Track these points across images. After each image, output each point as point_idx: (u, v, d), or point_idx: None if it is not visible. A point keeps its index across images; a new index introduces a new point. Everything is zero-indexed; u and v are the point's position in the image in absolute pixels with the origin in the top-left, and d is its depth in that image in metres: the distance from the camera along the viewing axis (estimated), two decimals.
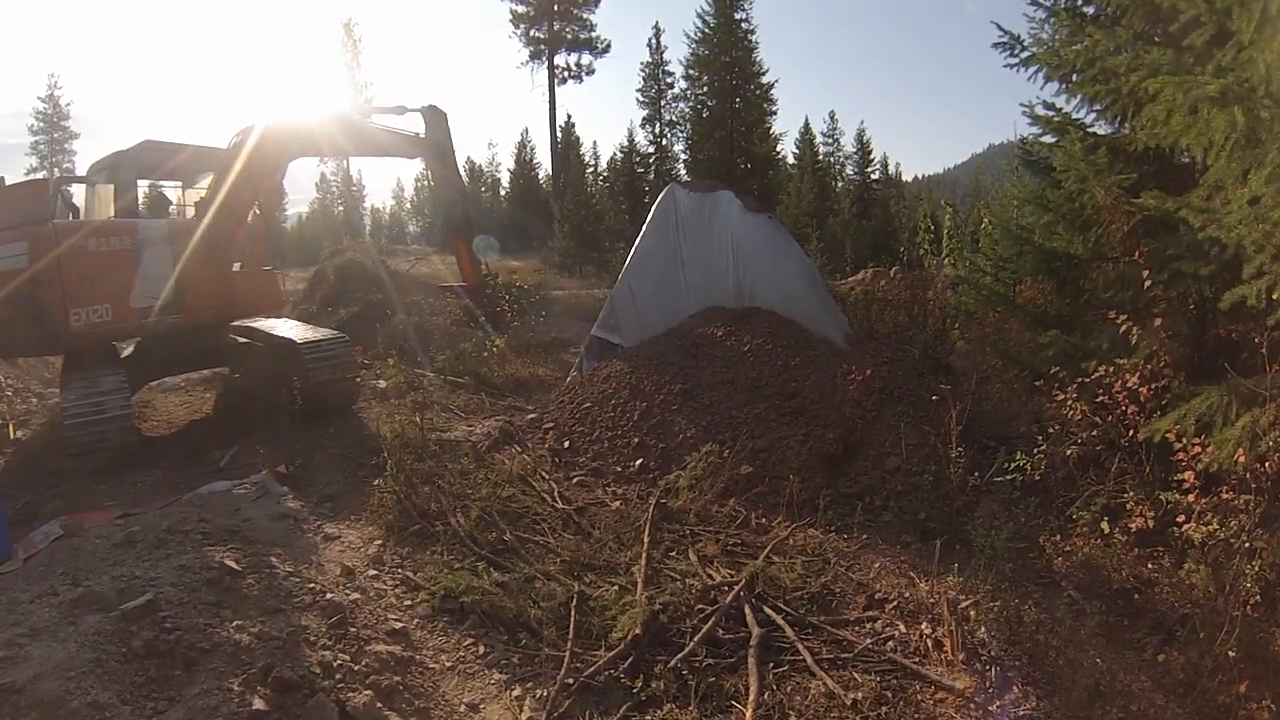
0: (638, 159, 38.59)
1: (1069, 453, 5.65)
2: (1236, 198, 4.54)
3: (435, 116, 13.17)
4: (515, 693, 4.65)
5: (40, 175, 54.43)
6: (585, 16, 45.78)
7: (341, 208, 61.62)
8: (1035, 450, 5.62)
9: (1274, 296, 4.30)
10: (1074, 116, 6.96)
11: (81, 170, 13.29)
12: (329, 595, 5.11)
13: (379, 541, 6.49)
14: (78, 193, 11.29)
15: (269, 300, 10.96)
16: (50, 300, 8.29)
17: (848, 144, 52.99)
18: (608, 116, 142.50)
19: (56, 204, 10.07)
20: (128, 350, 10.65)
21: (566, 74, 46.53)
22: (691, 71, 32.89)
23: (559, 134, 47.15)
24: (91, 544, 5.48)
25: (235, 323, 10.98)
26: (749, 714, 4.26)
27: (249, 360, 10.92)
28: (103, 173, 10.37)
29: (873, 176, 52.08)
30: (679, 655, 4.75)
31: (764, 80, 31.32)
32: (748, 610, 5.23)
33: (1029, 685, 4.44)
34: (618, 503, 7.29)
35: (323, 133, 11.41)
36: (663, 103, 38.56)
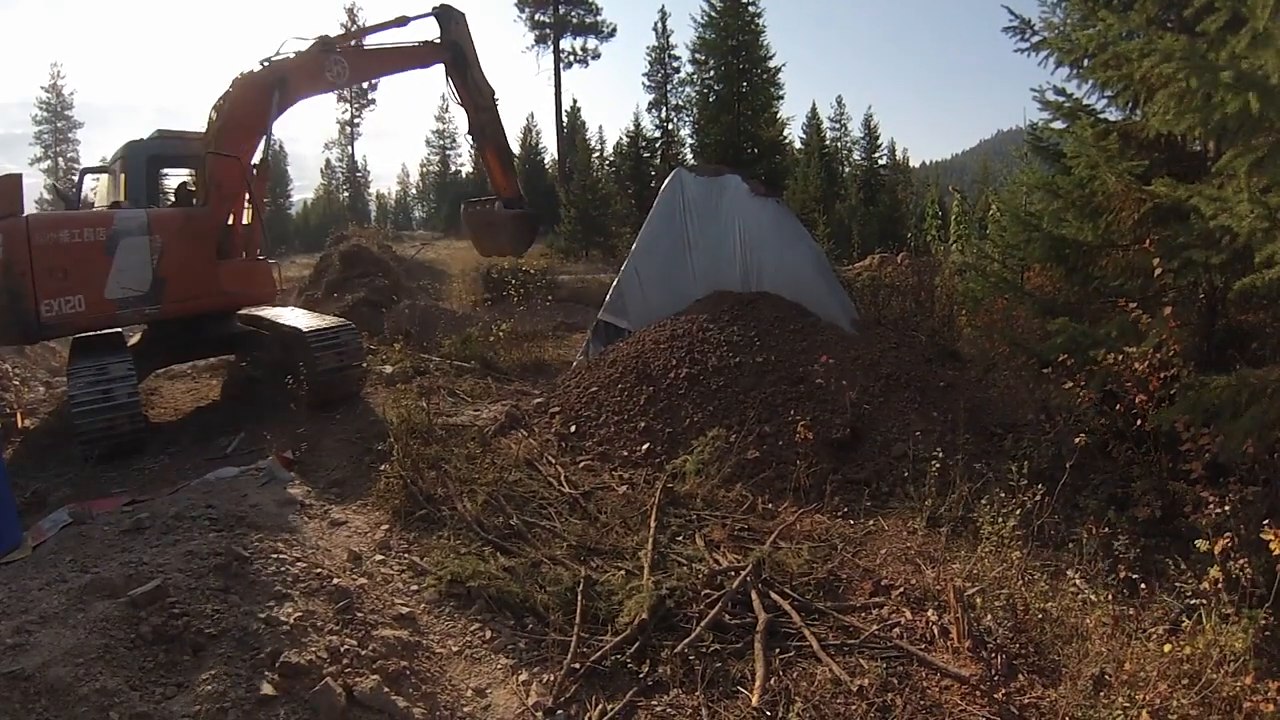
0: (644, 143, 38.31)
1: (1077, 441, 5.62)
2: (1249, 186, 4.50)
3: (450, 16, 12.26)
4: (522, 677, 4.67)
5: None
6: (591, 0, 45.54)
7: (347, 193, 61.65)
8: (1043, 438, 5.61)
9: None
10: (1085, 102, 6.92)
11: (86, 160, 13.30)
12: (336, 580, 5.13)
13: (385, 526, 6.51)
14: (101, 181, 11.34)
15: (261, 291, 10.68)
16: (22, 292, 8.35)
17: (855, 129, 52.70)
18: (614, 101, 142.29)
19: (77, 194, 10.14)
20: (134, 338, 10.68)
21: (572, 58, 46.41)
22: (698, 55, 32.66)
23: (565, 119, 46.99)
24: (100, 531, 5.52)
25: (241, 311, 10.98)
26: (755, 699, 4.28)
27: (256, 348, 10.93)
28: (120, 162, 10.37)
29: (880, 162, 51.76)
30: (685, 640, 4.76)
31: (771, 64, 31.07)
32: (754, 596, 5.24)
33: (1034, 673, 4.46)
34: (624, 487, 7.29)
35: (307, 67, 10.68)
36: (669, 87, 38.31)
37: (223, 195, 9.94)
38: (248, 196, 10.39)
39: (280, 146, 67.79)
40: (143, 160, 10.17)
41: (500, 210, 13.65)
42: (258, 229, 10.67)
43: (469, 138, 13.33)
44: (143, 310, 9.26)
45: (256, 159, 10.42)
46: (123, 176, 10.14)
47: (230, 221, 10.18)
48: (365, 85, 56.88)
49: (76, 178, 11.73)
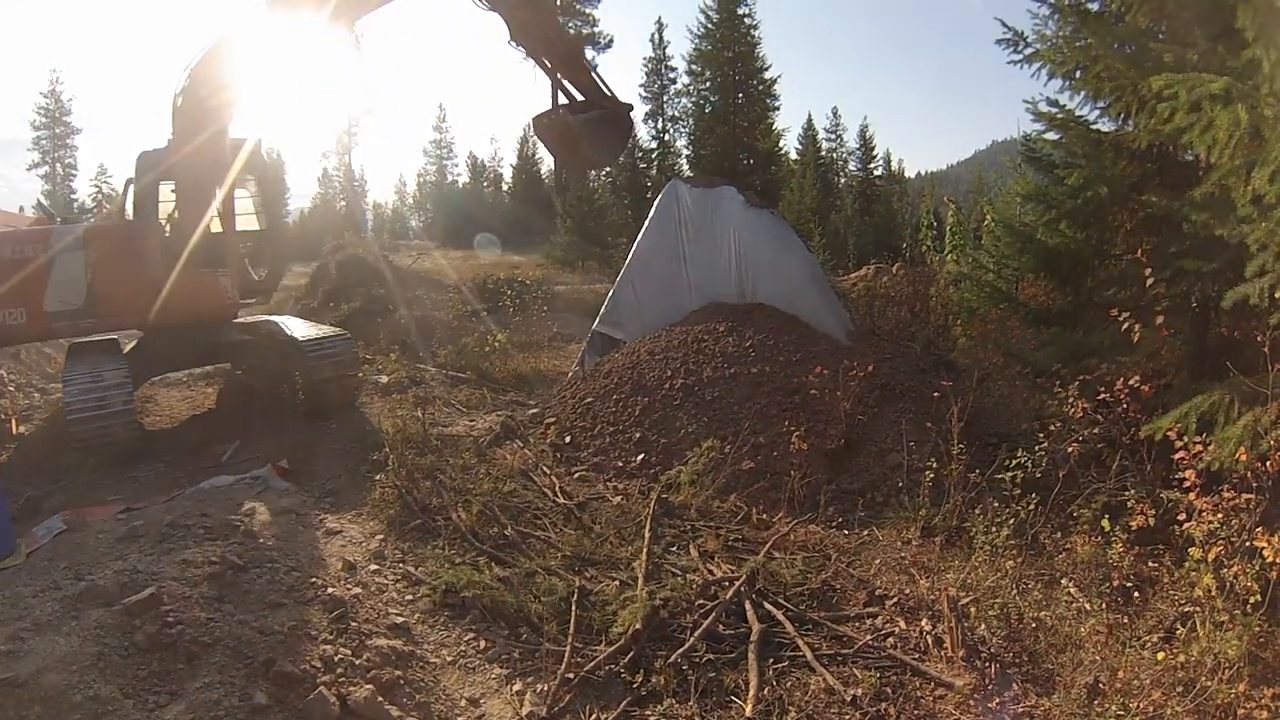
0: (640, 154, 38.48)
1: (1070, 450, 5.64)
2: (1240, 196, 4.53)
3: None
4: (516, 687, 4.67)
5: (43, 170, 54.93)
6: (588, 11, 45.65)
7: (344, 203, 61.66)
8: (1036, 447, 5.62)
9: (1276, 295, 4.30)
10: (1077, 113, 6.95)
11: (85, 166, 13.08)
12: (330, 590, 5.12)
13: (380, 536, 6.50)
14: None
15: (203, 307, 9.91)
16: None
17: (850, 140, 52.95)
18: None
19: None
20: (130, 345, 10.66)
21: None
22: (694, 67, 32.84)
23: None
24: (94, 539, 5.50)
25: (236, 320, 10.94)
26: (749, 709, 4.28)
27: (252, 356, 10.89)
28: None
29: (875, 172, 52.01)
30: (679, 650, 4.76)
31: (767, 76, 31.31)
32: (748, 606, 5.25)
33: (1028, 682, 4.46)
34: (619, 498, 7.30)
35: (256, 26, 9.28)
36: (665, 98, 38.52)
37: (188, 203, 9.72)
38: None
39: (277, 155, 67.81)
40: (150, 171, 10.14)
41: (568, 116, 10.98)
42: (224, 238, 10.10)
43: (513, 45, 10.62)
44: (77, 324, 9.29)
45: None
46: (133, 187, 10.12)
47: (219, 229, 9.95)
48: (364, 94, 57.02)
49: (120, 187, 11.63)
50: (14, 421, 10.41)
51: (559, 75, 10.76)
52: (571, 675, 4.62)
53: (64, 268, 8.99)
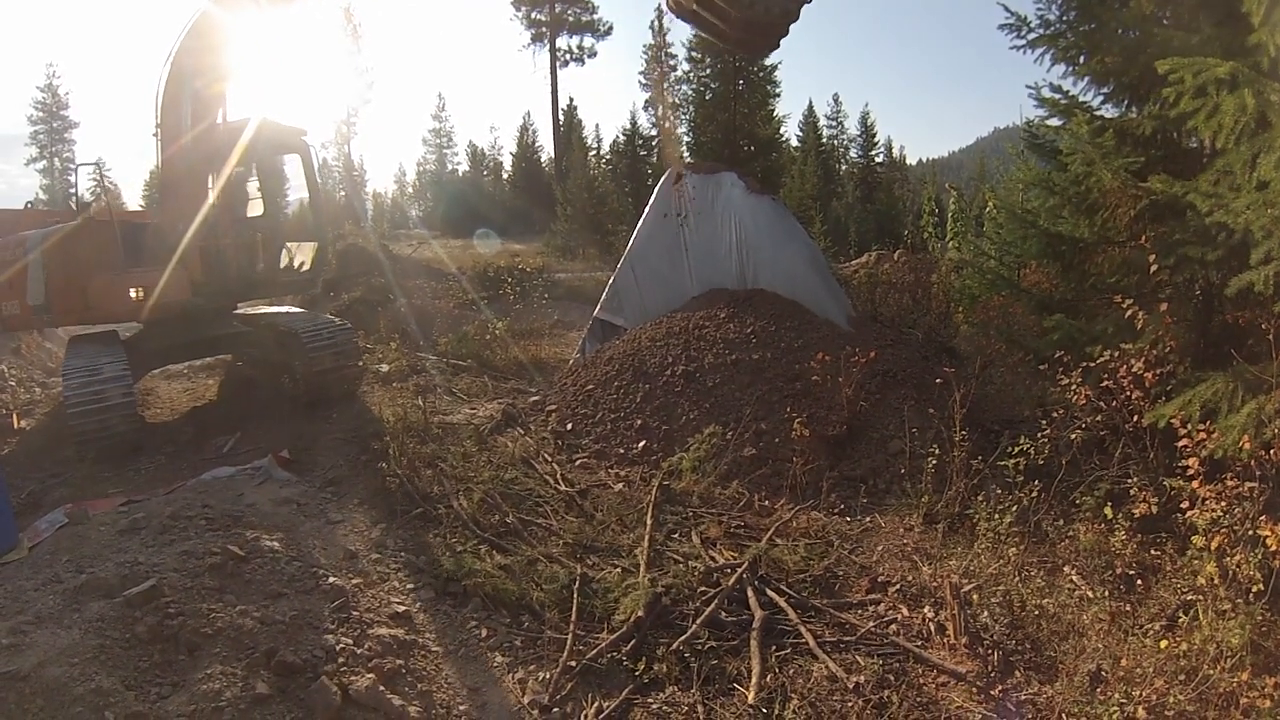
0: (640, 142, 38.43)
1: (1073, 437, 5.63)
2: (1245, 182, 4.50)
3: None
4: (518, 675, 4.67)
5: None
6: None
7: (343, 193, 61.50)
8: (1039, 435, 5.60)
9: None
10: (1081, 99, 6.89)
11: (82, 160, 12.95)
12: (332, 579, 5.12)
13: (382, 525, 6.49)
14: None
15: (109, 309, 9.58)
16: None
17: (852, 127, 52.79)
18: (610, 99, 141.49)
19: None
20: (129, 337, 10.65)
21: (568, 57, 46.26)
22: (694, 53, 32.58)
23: (561, 117, 46.90)
24: (96, 531, 5.50)
25: (236, 310, 10.91)
26: (751, 696, 4.28)
27: (252, 347, 10.88)
28: None
29: (877, 159, 51.88)
30: (681, 638, 4.77)
31: (767, 62, 31.05)
32: (750, 593, 5.25)
33: (1031, 670, 4.46)
34: (620, 485, 7.29)
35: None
36: (665, 85, 38.30)
37: (170, 199, 9.82)
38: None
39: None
40: None
41: None
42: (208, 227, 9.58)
43: None
44: (43, 319, 9.74)
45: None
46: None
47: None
48: (362, 84, 56.60)
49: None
50: (15, 416, 10.42)
51: None
52: (573, 663, 4.63)
53: (33, 268, 9.39)
